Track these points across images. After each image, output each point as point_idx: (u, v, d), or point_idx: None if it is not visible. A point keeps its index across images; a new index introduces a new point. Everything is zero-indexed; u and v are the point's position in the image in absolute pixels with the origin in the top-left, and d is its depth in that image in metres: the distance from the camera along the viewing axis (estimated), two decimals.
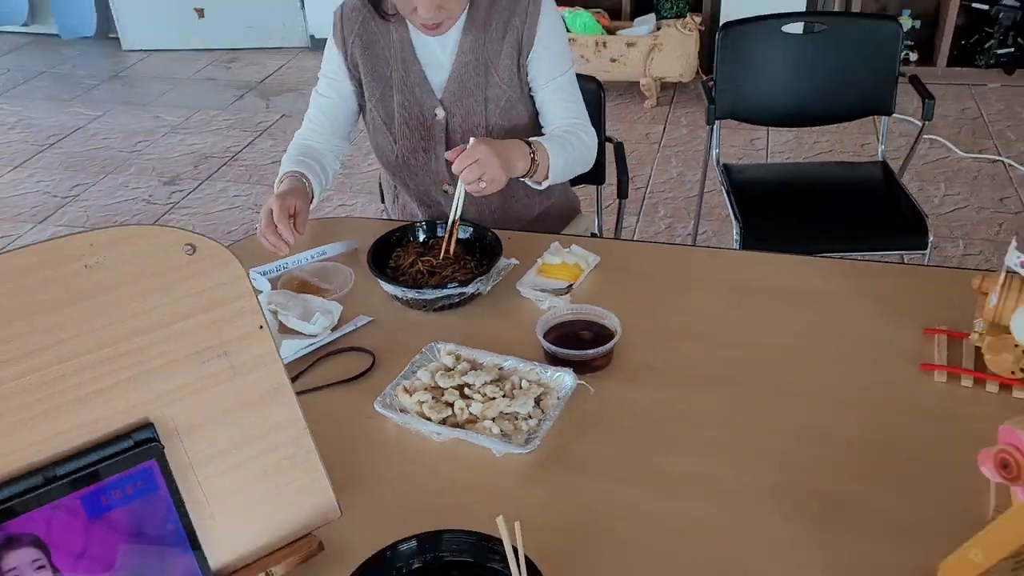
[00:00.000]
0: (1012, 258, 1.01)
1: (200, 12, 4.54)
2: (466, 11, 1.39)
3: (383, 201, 1.76)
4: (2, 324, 0.74)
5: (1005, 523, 0.72)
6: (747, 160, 3.18)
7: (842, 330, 1.16)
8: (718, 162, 2.22)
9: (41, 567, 0.73)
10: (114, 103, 4.01)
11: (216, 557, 0.82)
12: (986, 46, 3.61)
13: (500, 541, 0.79)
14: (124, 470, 0.78)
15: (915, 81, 2.10)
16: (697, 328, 1.18)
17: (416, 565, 0.82)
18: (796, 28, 2.13)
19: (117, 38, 4.66)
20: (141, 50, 4.62)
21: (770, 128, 3.32)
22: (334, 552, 0.86)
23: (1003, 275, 1.01)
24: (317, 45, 4.47)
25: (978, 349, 1.06)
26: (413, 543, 0.82)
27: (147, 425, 0.80)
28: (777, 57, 2.11)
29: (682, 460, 0.97)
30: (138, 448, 0.78)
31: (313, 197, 1.40)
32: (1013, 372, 1.02)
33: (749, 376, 1.09)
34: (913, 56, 3.76)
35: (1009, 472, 0.66)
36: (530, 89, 1.46)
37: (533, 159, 1.33)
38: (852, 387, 1.06)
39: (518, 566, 0.78)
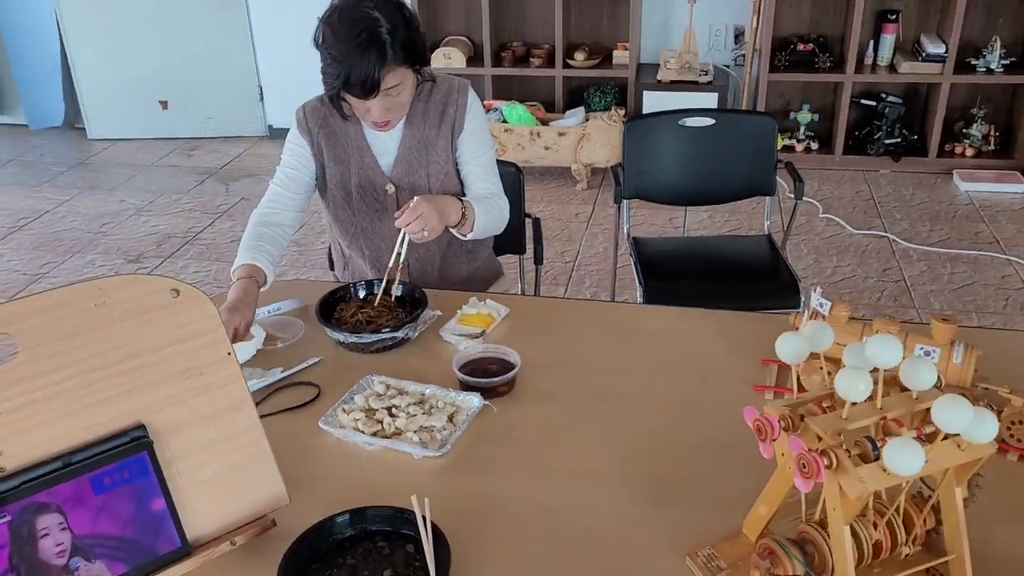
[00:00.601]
0: (815, 300, 1.32)
1: (164, 104, 4.85)
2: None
3: (332, 270, 2.04)
4: (35, 347, 0.99)
5: (775, 479, 0.99)
6: (666, 235, 3.53)
7: (699, 361, 1.45)
8: (628, 236, 2.54)
9: (64, 528, 0.97)
10: (81, 188, 4.26)
11: (192, 529, 1.06)
12: (875, 137, 4.06)
13: (413, 513, 1.04)
14: (122, 459, 1.02)
15: (789, 167, 2.46)
16: (584, 361, 1.46)
17: (349, 533, 1.07)
18: (692, 122, 2.49)
19: (84, 128, 4.94)
20: (107, 139, 4.90)
21: (687, 208, 3.70)
22: (284, 528, 1.09)
23: (807, 312, 1.31)
24: (275, 134, 4.80)
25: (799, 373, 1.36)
26: (346, 515, 1.07)
27: (140, 426, 1.04)
28: (675, 146, 2.46)
29: (563, 459, 1.24)
30: (133, 443, 1.03)
31: (266, 281, 1.63)
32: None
33: (620, 396, 1.37)
34: (814, 145, 4.20)
35: (762, 435, 0.93)
36: (458, 164, 1.78)
37: (464, 213, 1.66)
38: (698, 402, 1.35)
39: (426, 530, 1.03)
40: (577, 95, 4.34)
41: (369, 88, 1.54)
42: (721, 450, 1.24)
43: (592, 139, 3.91)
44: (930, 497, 0.99)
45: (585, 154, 3.94)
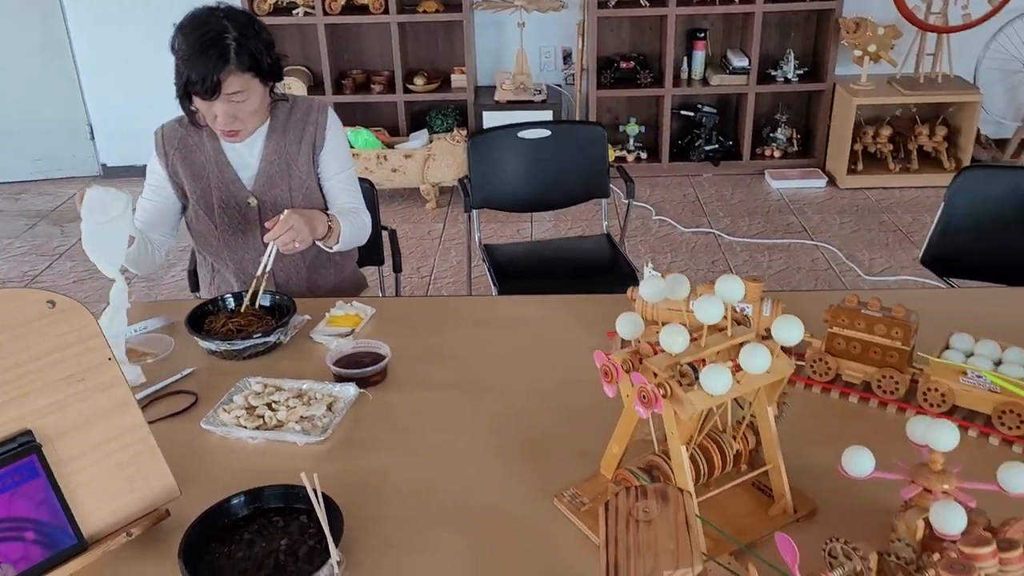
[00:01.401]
0: (647, 271, 1.50)
1: None
2: (268, 123, 1.79)
3: (195, 291, 2.07)
4: None
5: (622, 419, 1.15)
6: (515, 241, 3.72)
7: (553, 340, 1.60)
8: (480, 243, 2.69)
9: None
10: None
11: (87, 526, 1.09)
12: (696, 144, 4.44)
13: (304, 488, 1.12)
14: (12, 463, 1.05)
15: (620, 170, 2.69)
16: (449, 349, 1.58)
17: (244, 512, 1.14)
18: (529, 134, 2.67)
19: None
20: None
21: (533, 216, 3.91)
22: (179, 518, 1.14)
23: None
24: (110, 172, 4.66)
25: None
26: (241, 496, 1.14)
27: (27, 432, 1.07)
28: (516, 158, 2.64)
29: (437, 436, 1.35)
30: (21, 447, 1.06)
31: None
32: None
33: (484, 376, 1.50)
34: (643, 155, 4.53)
35: (608, 377, 1.09)
36: (320, 179, 1.87)
37: (330, 226, 1.75)
38: (555, 374, 1.50)
39: (318, 500, 1.11)
40: (419, 118, 4.48)
41: (210, 88, 1.61)
42: (578, 413, 1.39)
43: (437, 159, 4.06)
44: (752, 419, 1.18)
45: (432, 174, 4.08)
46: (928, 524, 0.97)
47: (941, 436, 0.97)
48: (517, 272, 2.56)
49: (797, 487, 1.17)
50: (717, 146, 4.43)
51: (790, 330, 1.07)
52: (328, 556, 1.04)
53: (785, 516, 1.14)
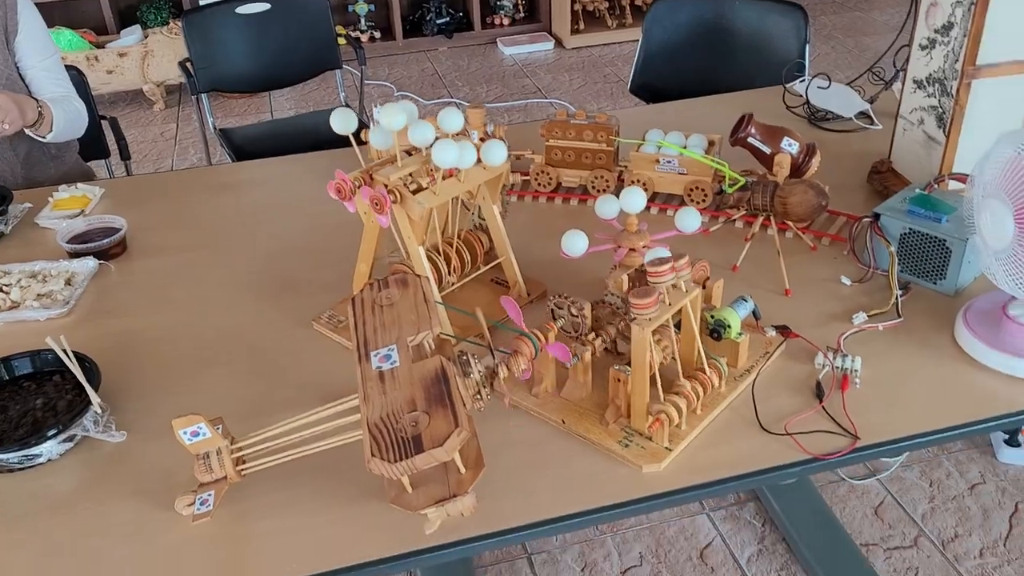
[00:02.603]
0: (376, 112, 1.55)
1: None
2: None
3: None
4: None
5: (364, 236, 1.23)
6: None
7: (293, 192, 1.64)
8: (215, 129, 2.61)
9: None
10: None
11: None
12: (428, 19, 4.47)
13: (52, 351, 1.10)
14: None
15: (348, 38, 2.68)
16: (190, 217, 1.57)
17: None
18: (248, 9, 2.58)
19: None
20: None
21: (272, 99, 3.81)
22: None
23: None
24: None
25: None
26: None
27: None
28: (238, 35, 2.55)
29: (186, 293, 1.36)
30: None
31: None
32: None
33: (228, 235, 1.51)
34: (377, 34, 4.50)
35: (343, 195, 1.16)
36: (20, 69, 1.73)
37: (41, 112, 1.66)
38: (297, 220, 1.54)
39: (70, 358, 1.10)
40: (129, 14, 4.14)
41: None
42: (326, 251, 1.45)
43: (157, 55, 3.80)
44: (482, 221, 1.30)
45: (153, 72, 3.82)
46: (631, 279, 1.14)
47: (630, 200, 1.14)
48: (258, 152, 2.51)
49: (529, 276, 1.32)
50: (448, 19, 4.49)
51: (496, 152, 1.16)
52: (89, 404, 1.05)
53: (521, 299, 1.29)
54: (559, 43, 4.46)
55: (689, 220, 1.12)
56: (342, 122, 1.19)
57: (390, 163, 1.17)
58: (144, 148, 3.56)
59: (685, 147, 1.49)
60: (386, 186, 1.13)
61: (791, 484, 1.83)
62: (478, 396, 0.93)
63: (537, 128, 1.58)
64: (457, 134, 1.14)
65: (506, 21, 4.57)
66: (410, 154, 1.19)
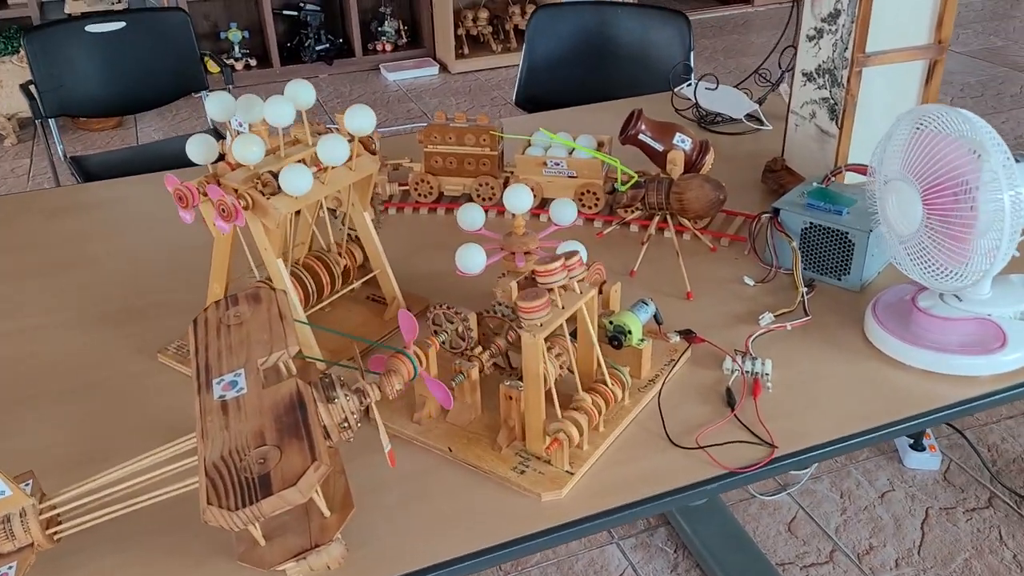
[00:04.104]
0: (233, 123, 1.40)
1: None
2: None
3: None
4: None
5: (215, 252, 1.07)
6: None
7: (144, 213, 1.46)
8: (65, 156, 2.37)
9: None
10: None
11: None
12: (306, 45, 4.31)
13: None
14: None
15: (222, 66, 2.50)
16: (21, 241, 1.38)
17: None
18: (99, 28, 2.37)
19: None
20: None
21: (138, 126, 3.56)
22: None
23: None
24: None
25: None
26: None
27: None
28: (90, 55, 2.34)
29: (14, 323, 1.17)
30: None
31: None
32: None
33: (69, 258, 1.32)
34: (252, 62, 4.31)
35: (183, 202, 1.00)
36: None
37: None
38: (147, 241, 1.36)
39: None
40: None
41: None
42: (177, 273, 1.28)
43: (6, 86, 3.50)
44: (352, 232, 1.16)
45: (3, 105, 3.52)
46: (520, 285, 1.02)
47: (515, 199, 1.02)
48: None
49: (408, 292, 1.18)
50: (328, 45, 4.34)
51: (361, 118, 1.04)
52: None
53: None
54: (444, 68, 4.38)
55: (565, 212, 1.01)
56: (200, 150, 1.03)
57: (239, 166, 1.02)
58: None
59: (573, 150, 1.39)
60: (236, 191, 0.98)
61: (702, 505, 1.75)
62: (345, 425, 0.79)
63: (415, 137, 1.46)
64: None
65: (388, 47, 4.46)
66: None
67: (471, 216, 1.04)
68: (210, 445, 0.71)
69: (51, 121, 2.31)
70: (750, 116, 1.66)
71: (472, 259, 0.99)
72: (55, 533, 0.77)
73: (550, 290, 0.87)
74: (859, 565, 1.63)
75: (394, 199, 1.45)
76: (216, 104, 1.05)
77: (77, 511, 0.78)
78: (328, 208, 1.17)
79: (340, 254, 1.15)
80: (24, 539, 0.76)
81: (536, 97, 2.22)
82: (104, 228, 1.42)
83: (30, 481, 0.80)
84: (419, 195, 1.44)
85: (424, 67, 4.37)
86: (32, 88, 2.28)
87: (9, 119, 3.55)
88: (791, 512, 1.76)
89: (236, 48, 4.26)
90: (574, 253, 0.87)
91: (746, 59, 4.49)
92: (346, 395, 0.79)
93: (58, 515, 0.78)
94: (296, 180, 0.96)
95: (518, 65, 2.26)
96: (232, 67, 4.23)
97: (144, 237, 1.39)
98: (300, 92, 1.03)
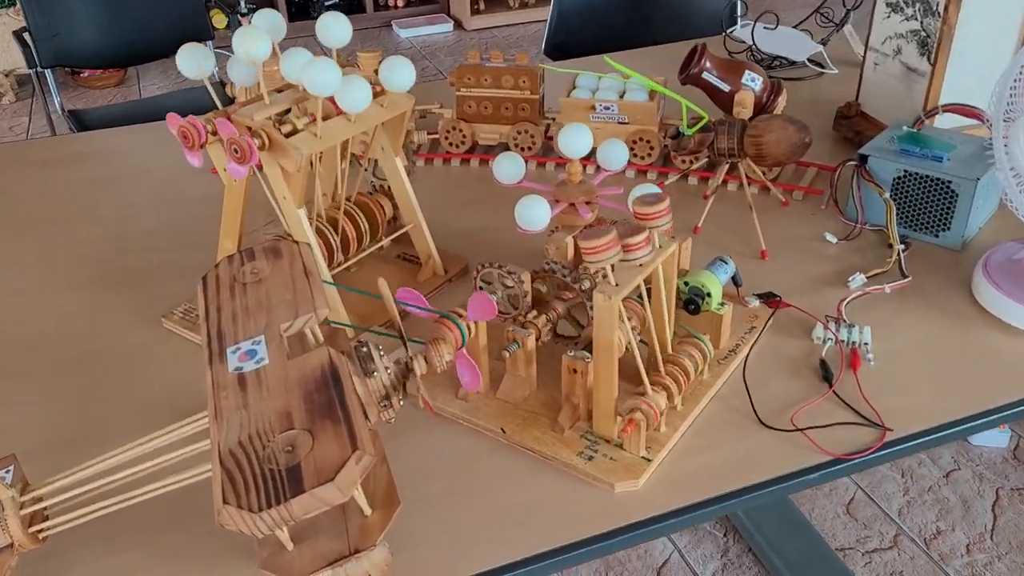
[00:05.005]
0: None
1: None
2: None
3: None
4: None
5: (226, 204, 0.93)
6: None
7: (144, 164, 1.32)
8: (62, 109, 2.23)
9: None
10: None
11: None
12: (315, 1, 4.14)
13: None
14: None
15: (230, 21, 2.35)
16: (7, 192, 1.24)
17: None
18: None
19: None
20: None
21: (140, 82, 3.41)
22: None
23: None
24: None
25: None
26: None
27: None
28: (84, 1, 2.18)
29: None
30: None
31: None
32: None
33: (64, 216, 1.19)
34: None
35: (189, 142, 0.86)
36: None
37: None
38: (146, 195, 1.22)
39: None
40: None
41: None
42: (182, 232, 1.14)
43: (1, 42, 3.35)
44: (384, 183, 1.02)
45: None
46: (576, 242, 0.88)
47: (573, 140, 0.88)
48: None
49: (445, 250, 1.04)
50: (338, 0, 4.17)
51: (400, 72, 0.89)
52: None
53: (436, 278, 1.01)
54: (459, 25, 4.20)
55: (615, 153, 0.87)
56: (192, 61, 0.89)
57: (256, 101, 0.88)
58: None
59: (624, 92, 1.24)
60: (249, 128, 0.84)
61: None
62: (386, 404, 0.65)
63: (446, 81, 1.31)
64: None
65: (400, 2, 4.28)
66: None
67: (509, 167, 0.90)
68: (225, 428, 0.58)
69: (47, 73, 2.16)
70: (812, 59, 1.50)
71: (536, 213, 0.84)
72: (40, 531, 0.64)
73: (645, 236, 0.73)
74: (926, 551, 1.50)
75: (423, 149, 1.31)
76: (189, 58, 0.89)
77: (66, 504, 0.65)
78: (352, 154, 1.03)
79: (368, 205, 1.01)
80: (2, 539, 0.63)
81: (567, 45, 2.05)
82: (103, 180, 1.28)
83: (11, 468, 0.66)
84: (450, 145, 1.30)
85: (438, 23, 4.19)
86: (26, 36, 2.13)
87: (7, 75, 3.40)
88: (849, 493, 1.63)
89: (242, 3, 4.08)
90: (662, 197, 0.73)
91: None
92: (387, 368, 0.65)
93: (44, 509, 0.65)
94: (355, 93, 0.81)
95: (537, 22, 2.10)
96: (239, 21, 4.06)
97: (147, 190, 1.25)
98: (333, 27, 0.87)
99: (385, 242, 1.02)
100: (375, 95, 0.89)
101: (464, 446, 0.78)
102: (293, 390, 0.59)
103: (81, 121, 2.20)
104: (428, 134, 1.31)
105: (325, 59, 0.82)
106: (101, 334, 0.94)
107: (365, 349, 0.66)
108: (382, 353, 0.66)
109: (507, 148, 1.29)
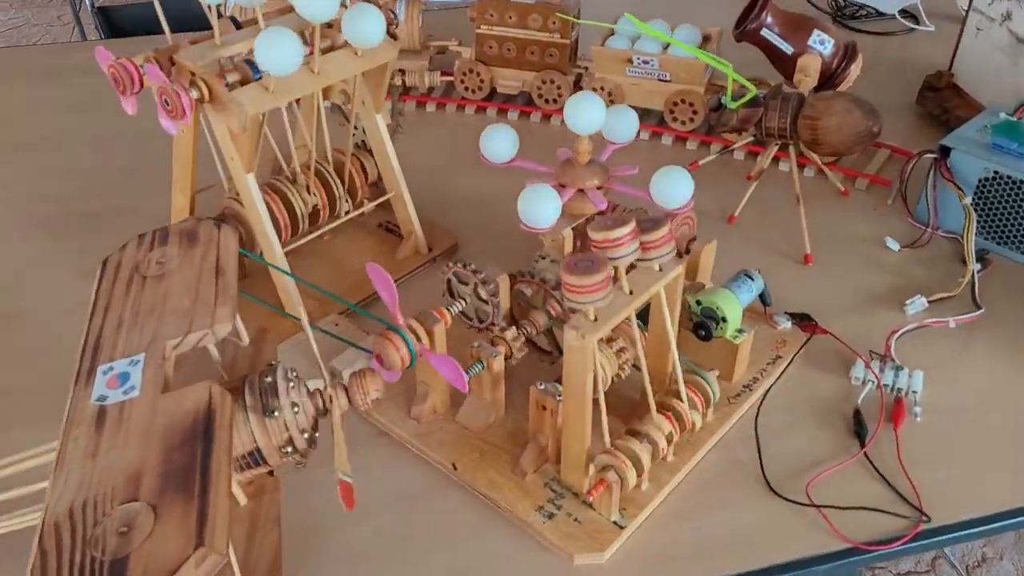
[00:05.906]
0: None
1: None
2: None
3: None
4: None
5: (175, 156, 0.80)
6: None
7: None
8: (93, 6, 2.11)
9: None
10: None
11: None
12: None
13: None
14: None
15: None
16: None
17: None
18: None
19: None
20: None
21: None
22: None
23: None
24: None
25: None
26: None
27: None
28: None
29: None
30: None
31: None
32: None
33: (30, 135, 1.08)
34: None
35: (121, 87, 0.72)
36: None
37: None
38: (121, 131, 1.11)
39: None
40: None
41: None
42: (151, 168, 1.01)
43: None
44: (364, 140, 0.88)
45: None
46: (576, 234, 0.73)
47: (580, 113, 0.71)
48: (133, 33, 2.03)
49: (436, 222, 0.90)
50: None
51: (365, 22, 0.71)
52: None
53: (418, 256, 0.88)
54: None
55: (624, 122, 0.71)
56: None
57: (208, 39, 0.74)
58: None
59: (668, 45, 1.06)
60: (192, 75, 0.70)
61: None
62: (287, 449, 0.53)
63: (466, 13, 1.13)
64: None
65: None
66: None
67: (497, 143, 0.74)
68: (62, 485, 0.46)
69: None
70: (905, 12, 1.28)
71: (543, 209, 0.68)
72: None
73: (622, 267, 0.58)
74: None
75: (435, 92, 1.15)
76: None
77: None
78: (335, 103, 0.89)
79: (345, 165, 0.87)
80: None
81: None
82: (79, 103, 1.16)
83: None
84: (466, 89, 1.14)
85: None
86: None
87: None
88: None
89: None
90: (662, 223, 0.57)
91: None
92: (294, 405, 0.53)
93: None
94: (276, 52, 0.66)
95: None
96: None
97: (120, 120, 1.12)
98: None
99: (367, 207, 0.88)
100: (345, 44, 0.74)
101: (407, 479, 0.66)
102: (154, 442, 0.47)
103: (110, 20, 2.07)
104: (442, 75, 1.15)
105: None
106: (31, 291, 0.84)
107: (269, 379, 0.53)
108: (294, 381, 0.53)
109: (529, 100, 1.12)
